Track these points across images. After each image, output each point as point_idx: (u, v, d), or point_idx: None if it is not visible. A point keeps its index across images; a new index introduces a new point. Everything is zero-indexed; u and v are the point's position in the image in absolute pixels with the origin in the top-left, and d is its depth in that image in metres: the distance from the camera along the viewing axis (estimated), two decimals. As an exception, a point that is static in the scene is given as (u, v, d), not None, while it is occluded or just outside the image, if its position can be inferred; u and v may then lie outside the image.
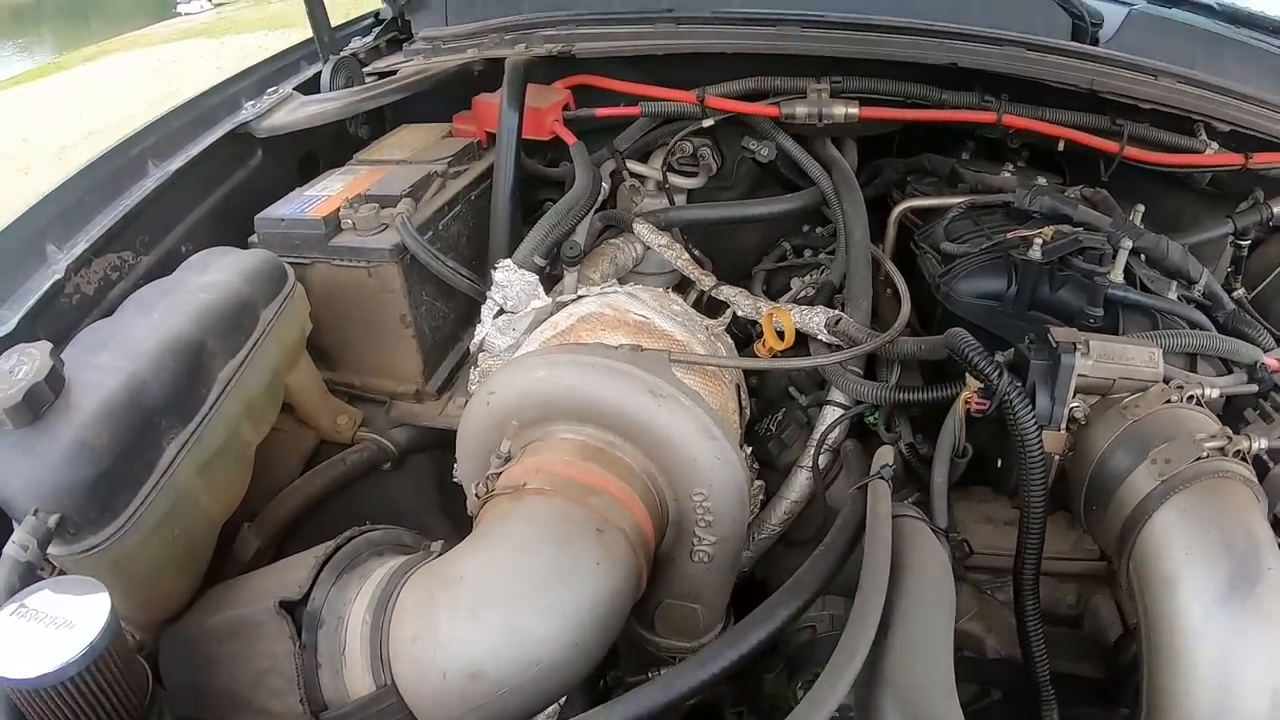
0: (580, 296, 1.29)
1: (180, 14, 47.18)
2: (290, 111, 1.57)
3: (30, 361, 0.89)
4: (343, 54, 1.77)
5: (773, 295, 1.59)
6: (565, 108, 1.66)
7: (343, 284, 1.34)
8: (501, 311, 1.30)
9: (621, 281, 1.46)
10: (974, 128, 1.61)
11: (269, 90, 1.64)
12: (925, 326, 1.40)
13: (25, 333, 1.09)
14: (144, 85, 20.48)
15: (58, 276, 1.17)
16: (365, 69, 1.81)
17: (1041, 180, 1.53)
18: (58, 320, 1.15)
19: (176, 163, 1.42)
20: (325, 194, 1.40)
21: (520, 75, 1.57)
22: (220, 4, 46.93)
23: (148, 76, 21.93)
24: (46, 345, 0.91)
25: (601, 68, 1.68)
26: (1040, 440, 0.98)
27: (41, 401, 0.88)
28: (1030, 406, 0.99)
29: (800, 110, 1.57)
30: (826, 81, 1.59)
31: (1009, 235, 1.32)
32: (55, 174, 1.37)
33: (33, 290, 1.15)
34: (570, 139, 1.60)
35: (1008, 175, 1.57)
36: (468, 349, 1.39)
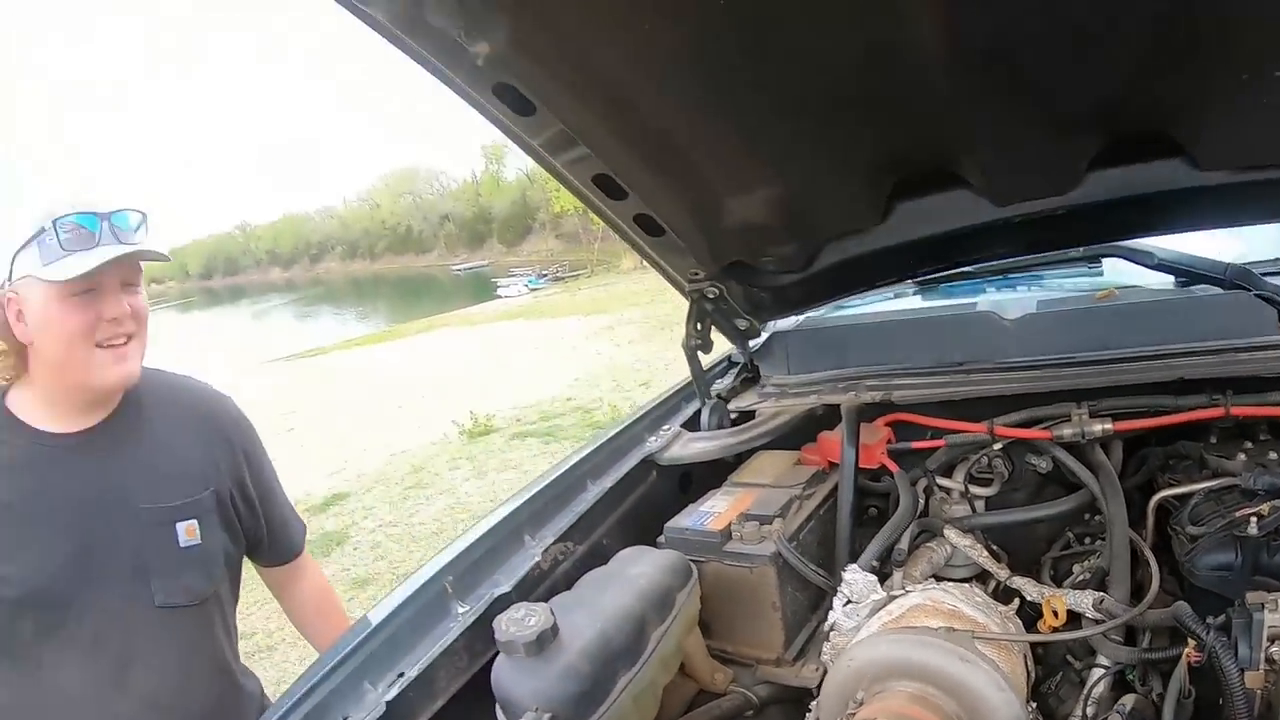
0: (906, 591, 1.72)
1: (501, 297, 51.93)
2: (682, 445, 2.18)
3: (537, 615, 1.43)
4: (714, 398, 2.37)
5: (1058, 579, 1.93)
6: (888, 441, 2.16)
7: (729, 578, 1.83)
8: (849, 602, 1.73)
9: (936, 578, 1.88)
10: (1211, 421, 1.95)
11: (663, 428, 2.26)
12: (1182, 591, 1.73)
13: (517, 595, 1.64)
14: (473, 355, 22.79)
15: (536, 559, 1.75)
16: (728, 404, 2.40)
17: (1273, 455, 1.82)
18: (531, 586, 1.71)
19: (606, 482, 2.04)
20: (715, 510, 1.94)
21: (854, 418, 2.10)
22: (536, 290, 51.27)
23: (476, 348, 24.42)
24: (546, 606, 1.46)
25: (913, 408, 2.17)
26: (1242, 680, 1.34)
27: (546, 641, 1.40)
28: (1233, 655, 1.35)
29: (1067, 431, 1.98)
30: (1085, 406, 2.01)
31: (1237, 515, 1.64)
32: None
33: (518, 566, 1.74)
34: (894, 467, 2.09)
35: (1242, 456, 1.85)
36: (818, 626, 1.85)
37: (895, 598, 1.71)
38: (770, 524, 1.88)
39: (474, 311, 41.66)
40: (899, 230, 2.11)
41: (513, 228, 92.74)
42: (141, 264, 1.82)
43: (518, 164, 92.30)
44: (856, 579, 1.73)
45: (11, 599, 1.70)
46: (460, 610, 1.60)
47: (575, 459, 2.11)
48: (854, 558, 1.87)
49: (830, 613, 1.74)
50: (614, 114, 1.72)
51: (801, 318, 2.62)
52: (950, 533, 1.98)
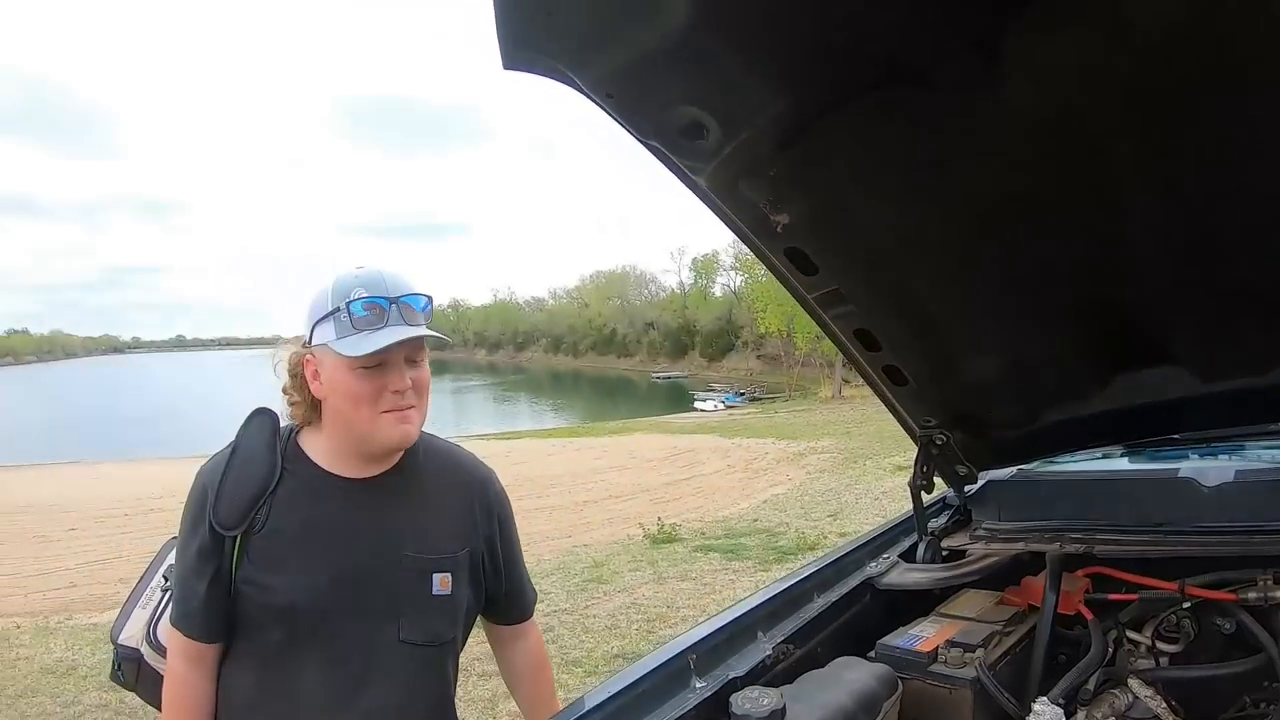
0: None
1: (697, 409, 52.28)
2: (899, 574, 2.40)
3: (770, 698, 1.68)
4: (930, 535, 2.58)
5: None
6: (1086, 591, 2.31)
7: (929, 697, 2.02)
8: None
9: (1116, 720, 2.03)
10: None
11: (883, 556, 2.49)
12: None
13: (746, 681, 1.88)
14: (663, 463, 23.04)
15: (767, 653, 2.00)
16: (941, 542, 2.61)
17: None
18: (757, 676, 1.94)
19: (830, 596, 2.27)
20: (924, 634, 2.14)
21: (1058, 566, 2.28)
22: (732, 407, 51.40)
23: (666, 455, 24.72)
24: (778, 690, 1.71)
25: (1112, 563, 2.31)
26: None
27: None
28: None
29: (1252, 595, 2.08)
30: (1271, 573, 2.10)
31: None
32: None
33: (750, 656, 1.98)
34: (1089, 615, 2.24)
35: None
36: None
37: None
38: (973, 652, 2.07)
39: (669, 420, 42.20)
40: (1115, 398, 2.29)
41: (715, 343, 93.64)
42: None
43: (724, 280, 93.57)
44: (1045, 711, 1.90)
45: (275, 607, 1.89)
46: (698, 685, 1.85)
47: (806, 572, 2.37)
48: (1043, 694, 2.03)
49: (1020, 742, 1.91)
50: (878, 280, 2.03)
51: (1015, 469, 2.80)
52: (1134, 682, 2.10)
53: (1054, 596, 2.26)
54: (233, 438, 2.03)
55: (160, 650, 2.15)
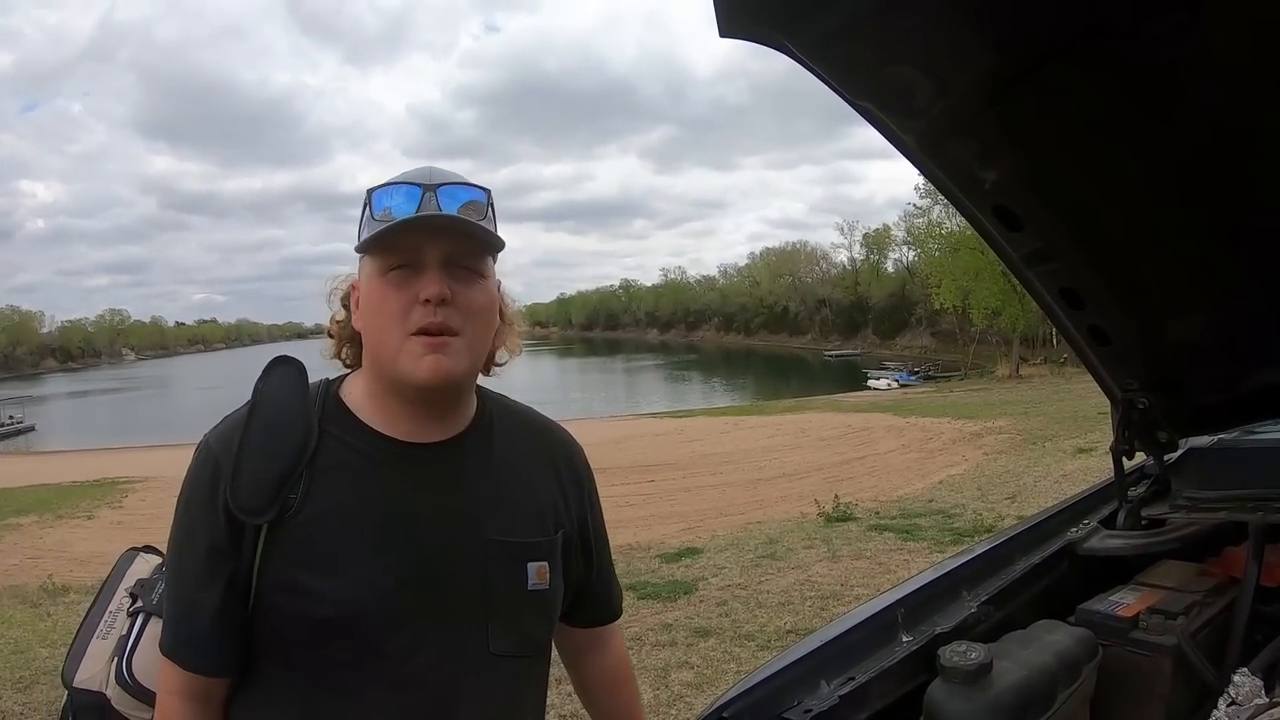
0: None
1: (870, 388, 51.82)
2: (1100, 540, 2.37)
3: (977, 652, 1.71)
4: (1130, 502, 2.53)
5: None
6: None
7: (1126, 664, 2.00)
8: (1233, 703, 1.84)
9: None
10: None
11: (1083, 522, 2.46)
12: None
13: (951, 637, 1.90)
14: (836, 440, 22.91)
15: (972, 611, 2.02)
16: (1140, 510, 2.55)
17: None
18: (961, 633, 1.96)
19: (1032, 559, 2.28)
20: (1124, 601, 2.11)
21: (1261, 536, 2.20)
22: (906, 386, 50.72)
23: (839, 433, 24.55)
24: (985, 646, 1.73)
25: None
26: None
27: (981, 674, 1.67)
28: None
29: None
30: None
31: None
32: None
33: (954, 614, 2.02)
34: None
35: None
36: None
37: (1278, 704, 1.81)
38: (1174, 620, 2.02)
39: (842, 399, 41.88)
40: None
41: (888, 320, 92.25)
42: (488, 253, 1.53)
43: (897, 256, 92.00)
44: (1245, 682, 1.85)
45: (323, 620, 1.43)
46: (906, 639, 1.90)
47: (1008, 535, 2.41)
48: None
49: (1215, 712, 1.86)
50: (1086, 235, 1.99)
51: (1216, 437, 2.70)
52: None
53: (1256, 567, 2.18)
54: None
55: (138, 693, 1.65)
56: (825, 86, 1.65)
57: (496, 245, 1.52)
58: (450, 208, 1.44)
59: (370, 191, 1.47)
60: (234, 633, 1.45)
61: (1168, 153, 1.74)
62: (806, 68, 1.59)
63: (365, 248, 1.46)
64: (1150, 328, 2.25)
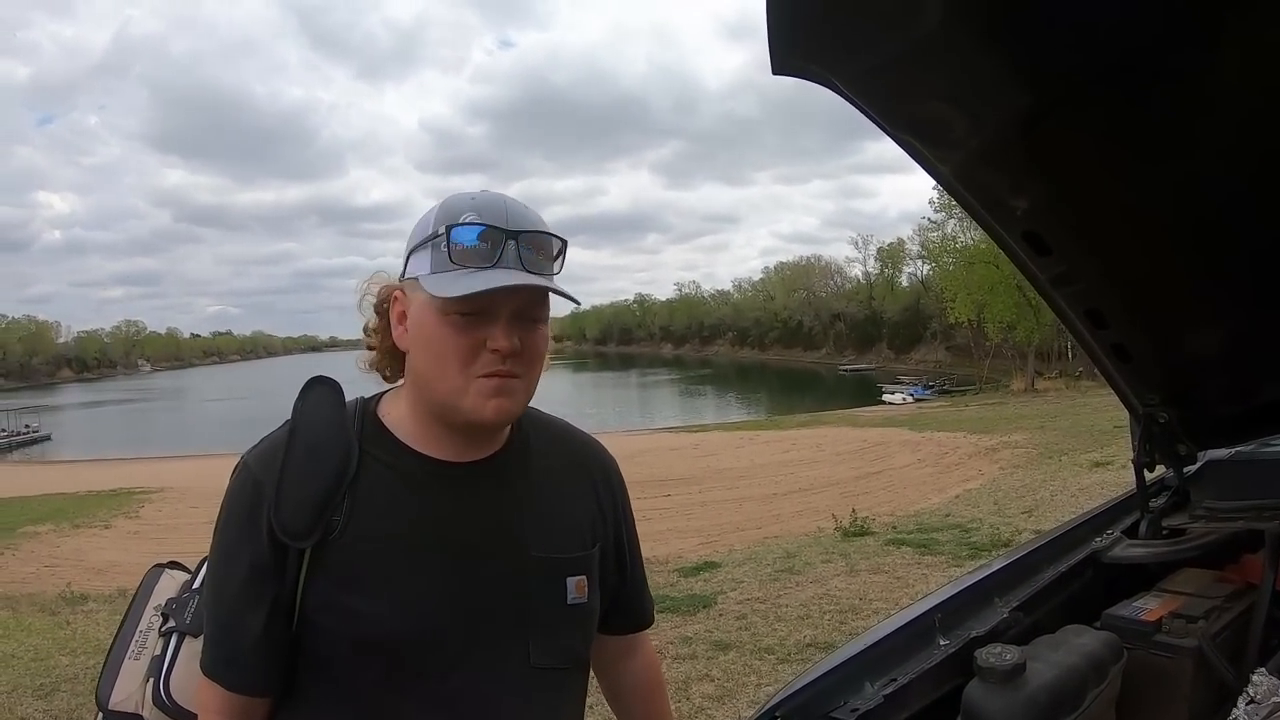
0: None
1: (885, 402, 51.69)
2: (1123, 549, 2.46)
3: (1012, 653, 1.81)
4: (1151, 514, 2.62)
5: None
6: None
7: (1150, 666, 2.08)
8: (1251, 701, 1.92)
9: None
10: None
11: (1107, 532, 2.56)
12: None
13: (986, 640, 1.99)
14: (852, 454, 22.91)
15: (1004, 616, 2.12)
16: (1163, 520, 2.64)
17: None
18: (994, 637, 2.04)
19: (1060, 568, 2.38)
20: (1147, 606, 2.20)
21: (1277, 544, 2.30)
22: (921, 400, 50.58)
23: (855, 448, 24.54)
24: (1019, 648, 1.84)
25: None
26: None
27: (1016, 674, 1.76)
28: None
29: None
30: None
31: None
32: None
33: (988, 619, 2.11)
34: None
35: None
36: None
37: (1295, 702, 1.91)
38: (1195, 624, 2.12)
39: (857, 413, 41.82)
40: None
41: (903, 334, 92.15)
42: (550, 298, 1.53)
43: (911, 270, 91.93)
44: (1263, 681, 1.94)
45: (369, 639, 1.45)
46: (943, 642, 2.00)
47: (1036, 544, 2.53)
48: None
49: (1234, 710, 1.94)
50: (1111, 258, 2.09)
51: (1234, 449, 2.79)
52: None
53: (1273, 573, 2.28)
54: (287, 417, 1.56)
55: (176, 714, 1.65)
56: (864, 116, 1.76)
57: (574, 303, 1.53)
58: (529, 256, 1.45)
59: (450, 228, 1.44)
60: (277, 653, 1.47)
61: (1189, 175, 1.85)
62: (850, 102, 1.70)
63: (439, 290, 1.43)
64: (1171, 345, 2.35)
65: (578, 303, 1.54)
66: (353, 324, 1.65)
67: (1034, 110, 1.68)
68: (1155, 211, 1.95)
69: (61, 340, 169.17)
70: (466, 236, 1.42)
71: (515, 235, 1.44)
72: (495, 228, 1.43)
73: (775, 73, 1.60)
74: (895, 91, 1.71)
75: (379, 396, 1.62)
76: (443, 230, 1.43)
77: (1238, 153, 1.78)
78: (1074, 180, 1.87)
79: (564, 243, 1.51)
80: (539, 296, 1.48)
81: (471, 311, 1.42)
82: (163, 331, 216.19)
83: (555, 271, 1.51)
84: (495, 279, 1.40)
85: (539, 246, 1.47)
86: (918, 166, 1.89)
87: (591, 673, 1.76)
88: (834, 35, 1.59)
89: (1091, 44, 1.55)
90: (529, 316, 1.48)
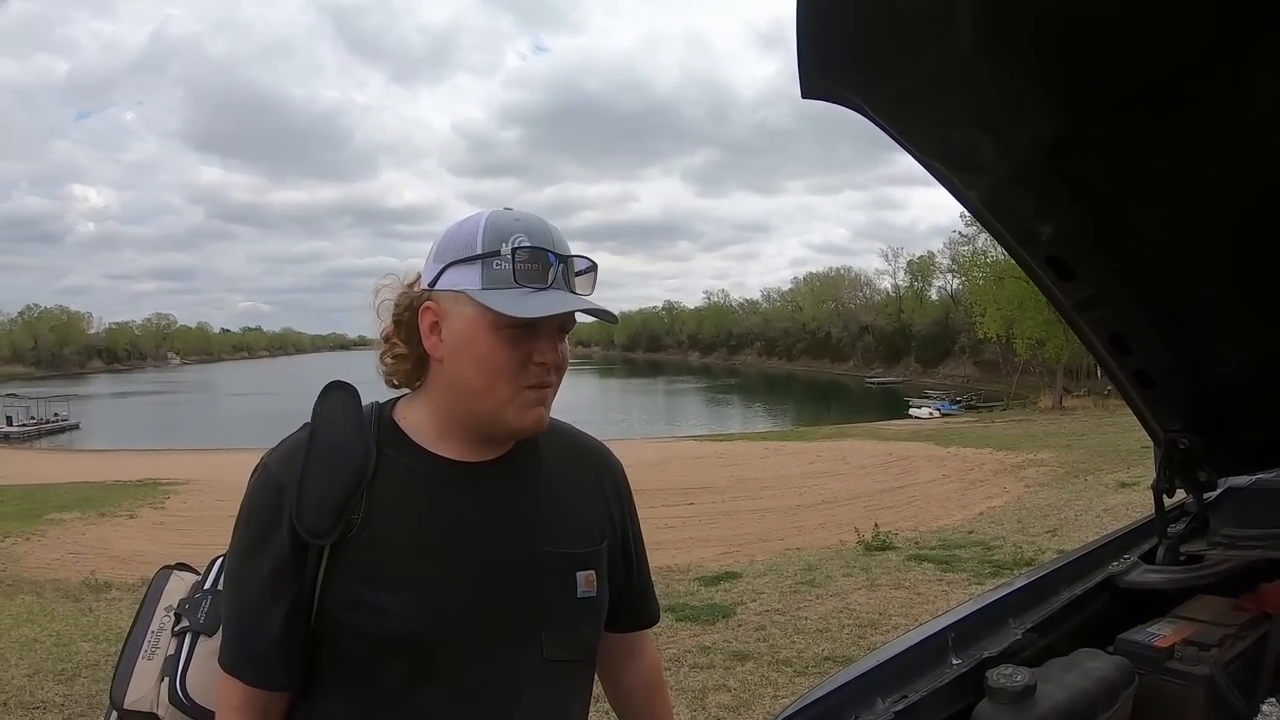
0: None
1: (912, 416, 51.50)
2: (1140, 574, 2.45)
3: (1023, 675, 1.81)
4: (1169, 539, 2.61)
5: None
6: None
7: (1161, 693, 2.07)
8: None
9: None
10: None
11: (1124, 556, 2.56)
12: None
13: (998, 661, 1.99)
14: (877, 468, 22.85)
15: (1017, 637, 2.11)
16: (1179, 546, 2.63)
17: None
18: (1008, 658, 2.03)
19: (1076, 590, 2.37)
20: (1161, 633, 2.19)
21: (1289, 572, 2.30)
22: (948, 415, 50.24)
23: (880, 461, 24.46)
24: (1029, 670, 1.84)
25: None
26: None
27: (1026, 696, 1.77)
28: None
29: None
30: None
31: None
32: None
33: (1002, 639, 2.11)
34: None
35: None
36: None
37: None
38: (1208, 651, 2.12)
39: (883, 427, 41.66)
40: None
41: (931, 348, 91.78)
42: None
43: (941, 283, 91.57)
44: (1273, 712, 1.98)
45: (391, 635, 1.50)
46: (955, 662, 2.00)
47: (1052, 567, 2.52)
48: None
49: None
50: (1135, 284, 2.10)
51: (1255, 477, 2.78)
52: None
53: (1288, 604, 2.27)
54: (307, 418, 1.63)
55: (194, 712, 1.70)
56: (893, 140, 1.79)
57: (611, 321, 1.67)
58: (572, 277, 1.57)
59: (514, 250, 1.51)
60: (296, 649, 1.53)
61: (1214, 202, 1.86)
62: (879, 126, 1.72)
63: (505, 307, 1.50)
64: (1193, 371, 2.35)
65: (615, 320, 1.69)
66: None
67: (1062, 135, 1.71)
68: (1180, 238, 1.96)
69: (93, 331, 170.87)
70: (527, 256, 1.50)
71: (567, 259, 1.55)
72: (546, 250, 1.53)
73: (804, 96, 1.63)
74: (925, 116, 1.73)
75: (394, 401, 1.68)
76: (504, 249, 1.51)
77: (1263, 179, 1.78)
78: (1099, 205, 1.89)
79: (595, 265, 1.61)
80: (574, 316, 1.57)
81: (523, 327, 1.50)
82: (193, 326, 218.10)
83: (590, 291, 1.60)
84: (557, 300, 1.51)
85: (578, 268, 1.58)
86: (947, 180, 1.93)
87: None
88: (865, 60, 1.62)
89: (1121, 68, 1.57)
90: (564, 331, 1.58)
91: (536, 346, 1.54)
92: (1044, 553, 9.93)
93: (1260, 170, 1.77)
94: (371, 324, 1.70)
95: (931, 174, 1.86)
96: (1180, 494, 2.74)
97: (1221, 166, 1.77)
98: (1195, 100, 1.61)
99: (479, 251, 1.52)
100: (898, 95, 1.68)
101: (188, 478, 25.33)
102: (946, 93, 1.65)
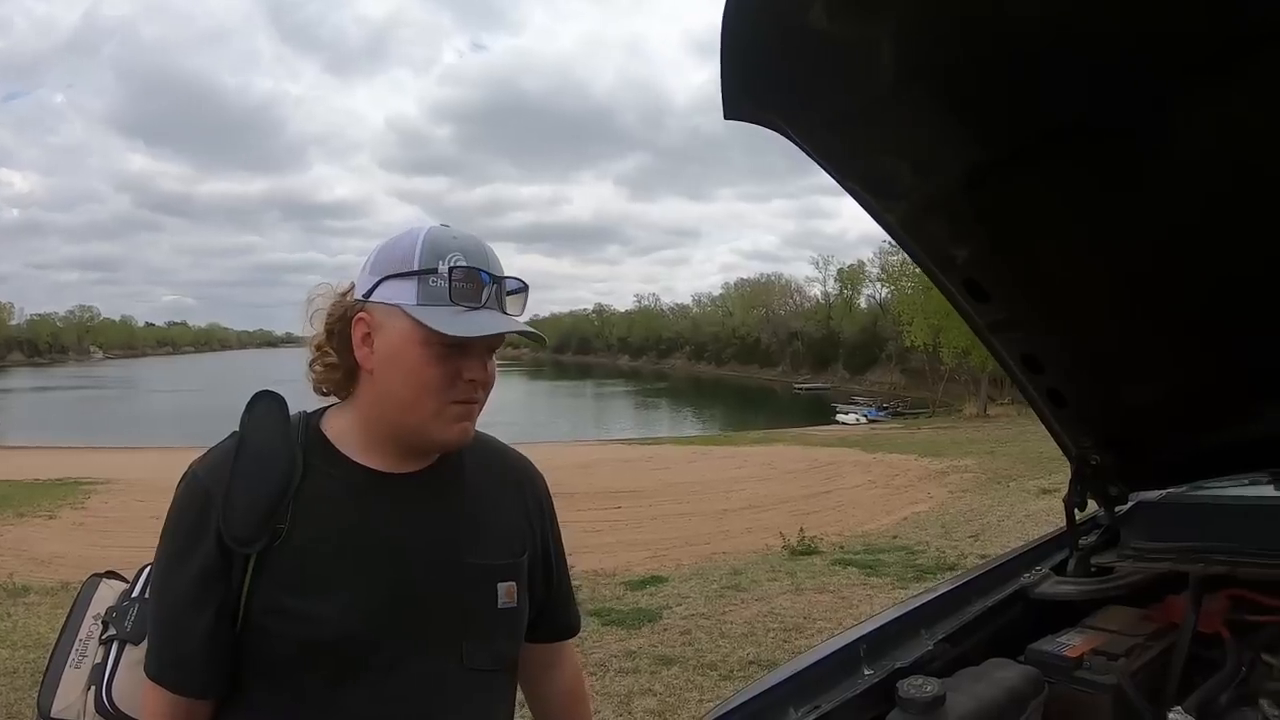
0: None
1: (838, 422, 51.92)
2: (1051, 586, 2.53)
3: (932, 685, 1.83)
4: (1080, 551, 2.70)
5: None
6: (1225, 611, 2.39)
7: (1070, 701, 2.13)
8: None
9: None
10: None
11: (1036, 568, 2.63)
12: None
13: (910, 671, 2.03)
14: (804, 473, 23.00)
15: (929, 648, 2.17)
16: (1090, 558, 2.72)
17: None
18: (919, 669, 2.08)
19: (987, 602, 2.43)
20: (1070, 642, 2.26)
21: (1199, 586, 2.39)
22: (875, 421, 50.89)
23: (806, 466, 24.65)
24: (939, 680, 1.88)
25: (1253, 585, 2.39)
26: None
27: (935, 706, 1.80)
28: None
29: None
30: None
31: None
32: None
33: (913, 650, 2.15)
34: (1226, 634, 2.33)
35: None
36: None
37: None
38: (1115, 661, 2.19)
39: (810, 432, 42.01)
40: (1266, 427, 2.38)
41: (859, 355, 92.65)
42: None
43: (870, 292, 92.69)
44: (1177, 718, 2.03)
45: (316, 641, 1.53)
46: (867, 672, 2.05)
47: (966, 579, 2.58)
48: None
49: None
50: (1048, 308, 2.18)
51: (1164, 492, 2.88)
52: (1264, 703, 2.19)
53: (1194, 614, 2.37)
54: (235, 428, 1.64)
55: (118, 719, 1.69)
56: (814, 163, 1.83)
57: (540, 343, 1.68)
58: (504, 298, 1.62)
59: (451, 269, 1.55)
60: (222, 655, 1.54)
61: (1128, 234, 1.94)
62: (802, 149, 1.77)
63: (438, 325, 1.53)
64: (1105, 392, 2.43)
65: (545, 343, 1.71)
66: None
67: (979, 167, 1.77)
68: (1092, 264, 2.03)
69: (14, 323, 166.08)
70: (463, 275, 1.54)
71: (500, 279, 1.60)
72: (481, 270, 1.57)
73: (727, 117, 1.67)
74: (846, 145, 1.79)
75: (321, 411, 1.69)
76: (440, 268, 1.54)
77: (1173, 209, 1.86)
78: (1014, 233, 1.95)
79: (527, 287, 1.66)
80: (503, 336, 1.62)
81: (454, 344, 1.53)
82: (116, 319, 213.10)
83: (520, 311, 1.65)
84: (490, 321, 1.56)
85: (510, 289, 1.63)
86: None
87: None
88: (788, 88, 1.66)
89: (1036, 107, 1.63)
90: (492, 350, 1.63)
91: (466, 364, 1.57)
92: (966, 557, 10.10)
93: (1172, 203, 1.84)
94: (300, 321, 1.71)
95: (850, 195, 1.91)
96: (1093, 506, 2.84)
97: (1134, 198, 1.84)
98: (1110, 135, 1.69)
99: (415, 268, 1.55)
100: (820, 124, 1.73)
101: (109, 477, 24.66)
102: (864, 124, 1.71)
